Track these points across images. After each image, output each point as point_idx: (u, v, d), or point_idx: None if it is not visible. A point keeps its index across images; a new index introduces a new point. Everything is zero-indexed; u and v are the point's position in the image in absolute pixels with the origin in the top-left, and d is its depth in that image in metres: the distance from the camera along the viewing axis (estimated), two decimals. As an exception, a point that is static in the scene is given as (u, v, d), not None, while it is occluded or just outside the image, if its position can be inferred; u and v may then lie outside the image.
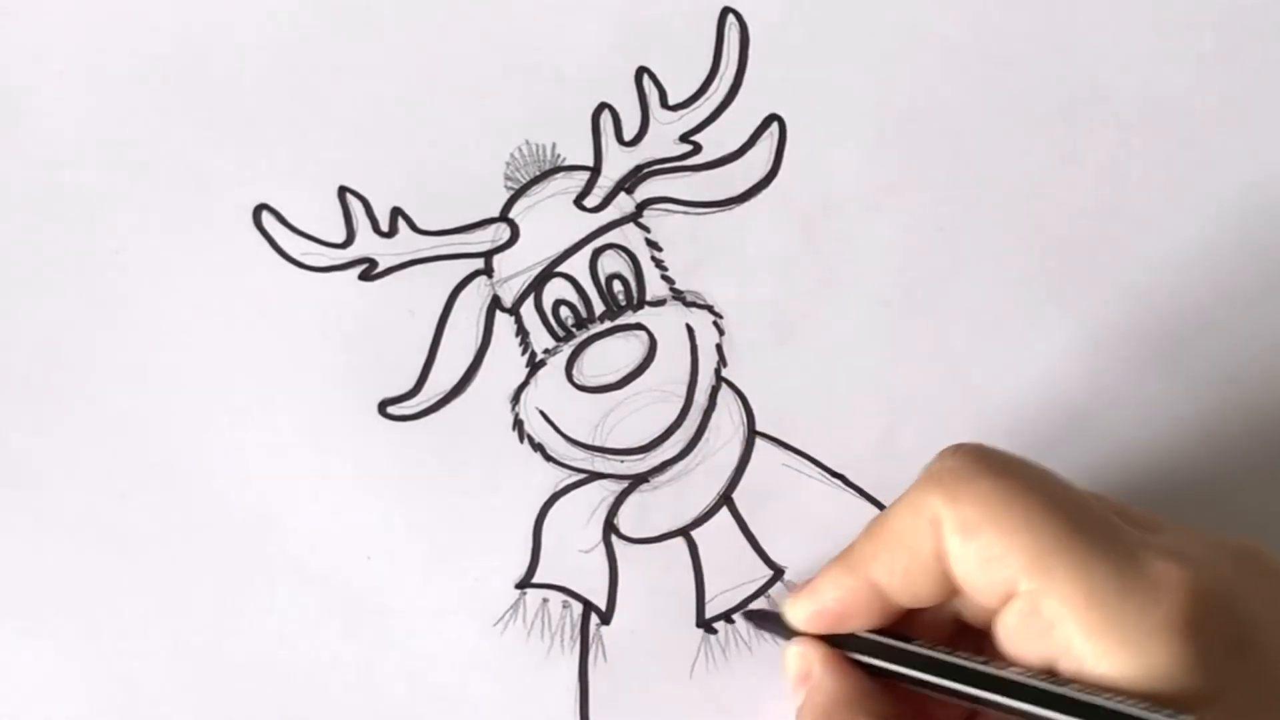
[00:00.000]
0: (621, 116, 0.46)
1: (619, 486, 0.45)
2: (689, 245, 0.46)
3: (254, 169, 0.45)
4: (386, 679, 0.44)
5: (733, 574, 0.45)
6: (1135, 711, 0.34)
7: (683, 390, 0.45)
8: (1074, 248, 0.46)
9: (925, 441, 0.45)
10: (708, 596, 0.45)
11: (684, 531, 0.45)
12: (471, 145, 0.46)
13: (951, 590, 0.39)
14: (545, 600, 0.45)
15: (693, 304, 0.46)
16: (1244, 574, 0.37)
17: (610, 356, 0.45)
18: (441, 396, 0.45)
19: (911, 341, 0.46)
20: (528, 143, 0.46)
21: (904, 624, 0.41)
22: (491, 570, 0.44)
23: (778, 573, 0.45)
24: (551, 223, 0.46)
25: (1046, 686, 0.36)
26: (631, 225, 0.46)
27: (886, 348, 0.46)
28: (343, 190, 0.45)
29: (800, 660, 0.41)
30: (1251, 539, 0.39)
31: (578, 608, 0.45)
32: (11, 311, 0.45)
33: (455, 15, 0.46)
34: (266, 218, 0.45)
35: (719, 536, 0.45)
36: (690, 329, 0.45)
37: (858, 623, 0.40)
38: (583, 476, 0.45)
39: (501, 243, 0.46)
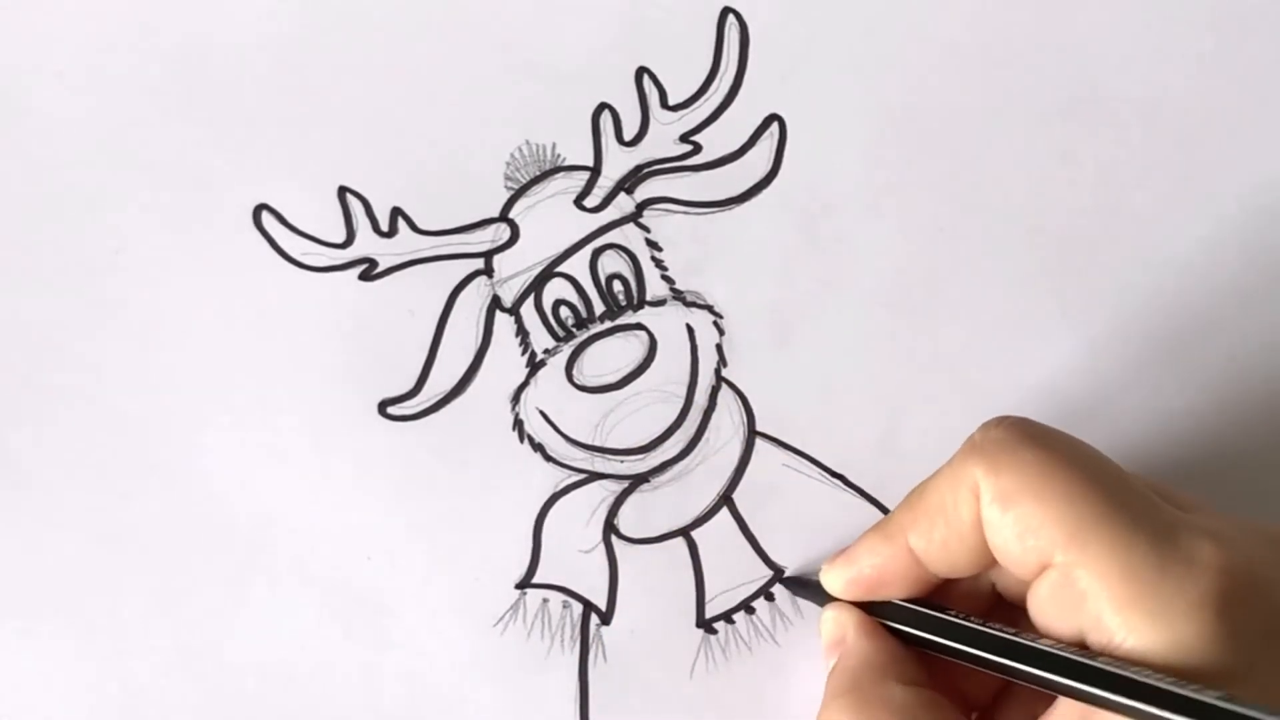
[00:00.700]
0: (621, 116, 0.46)
1: (619, 487, 0.45)
2: (689, 245, 0.46)
3: (254, 169, 0.45)
4: (386, 679, 0.44)
5: (733, 574, 0.45)
6: (1164, 685, 0.34)
7: (683, 390, 0.45)
8: (1074, 248, 0.46)
9: (925, 441, 0.45)
10: (708, 596, 0.45)
11: (684, 532, 0.45)
12: (471, 145, 0.46)
13: (988, 561, 0.39)
14: (545, 600, 0.45)
15: (693, 304, 0.46)
16: (1278, 559, 0.37)
17: (610, 356, 0.45)
18: (441, 396, 0.45)
19: (911, 341, 0.46)
20: (528, 143, 0.46)
21: (940, 594, 0.41)
22: (491, 570, 0.44)
23: (778, 573, 0.45)
24: (551, 223, 0.46)
25: (1076, 657, 0.36)
26: (631, 225, 0.46)
27: (886, 348, 0.46)
28: (343, 190, 0.45)
29: (835, 626, 0.42)
30: None
31: (578, 608, 0.45)
32: (11, 311, 0.45)
33: (455, 15, 0.46)
34: (266, 218, 0.45)
35: (719, 537, 0.45)
36: (690, 329, 0.45)
37: (893, 590, 0.41)
38: (583, 476, 0.45)
39: (501, 243, 0.46)
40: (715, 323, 0.46)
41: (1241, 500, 0.45)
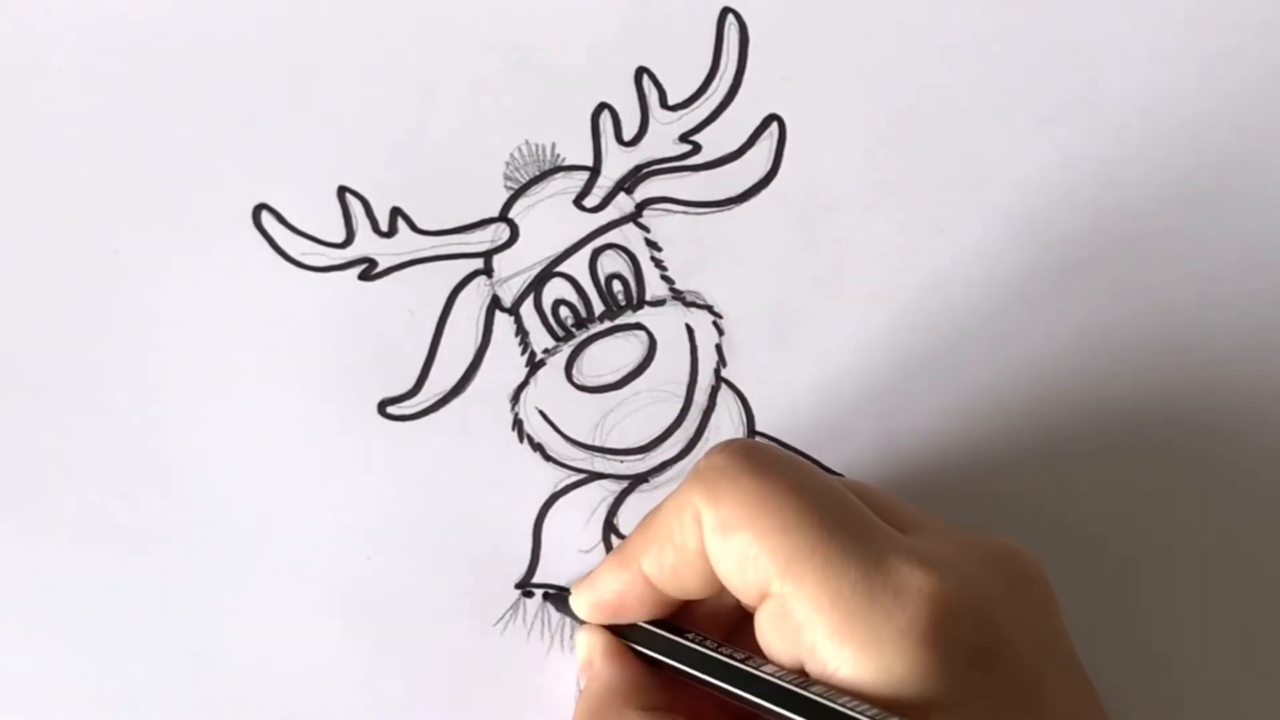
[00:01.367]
0: (621, 116, 0.46)
1: (619, 486, 0.45)
2: (689, 245, 0.46)
3: (254, 169, 0.45)
4: (386, 679, 0.44)
5: (732, 574, 0.45)
6: (863, 717, 0.34)
7: (682, 390, 0.45)
8: (1074, 248, 0.46)
9: (925, 441, 0.45)
10: (707, 596, 0.45)
11: (684, 531, 0.45)
12: (471, 145, 0.46)
13: (719, 585, 0.39)
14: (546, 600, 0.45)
15: (692, 304, 0.46)
16: (995, 578, 0.37)
17: (610, 356, 0.45)
18: (441, 396, 0.45)
19: (911, 341, 0.46)
20: (527, 143, 0.46)
21: (685, 613, 0.41)
22: (491, 570, 0.44)
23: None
24: (551, 222, 0.46)
25: (789, 686, 0.36)
26: (631, 225, 0.46)
27: (886, 348, 0.46)
28: (342, 190, 0.45)
29: (585, 648, 0.42)
30: (1013, 540, 0.39)
31: (577, 608, 0.45)
32: (11, 311, 0.45)
33: (455, 15, 0.46)
34: (266, 218, 0.45)
35: (719, 536, 0.45)
36: (690, 329, 0.45)
37: (635, 614, 0.41)
38: (582, 476, 0.45)
39: (501, 243, 0.46)
40: (715, 323, 0.46)
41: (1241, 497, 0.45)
